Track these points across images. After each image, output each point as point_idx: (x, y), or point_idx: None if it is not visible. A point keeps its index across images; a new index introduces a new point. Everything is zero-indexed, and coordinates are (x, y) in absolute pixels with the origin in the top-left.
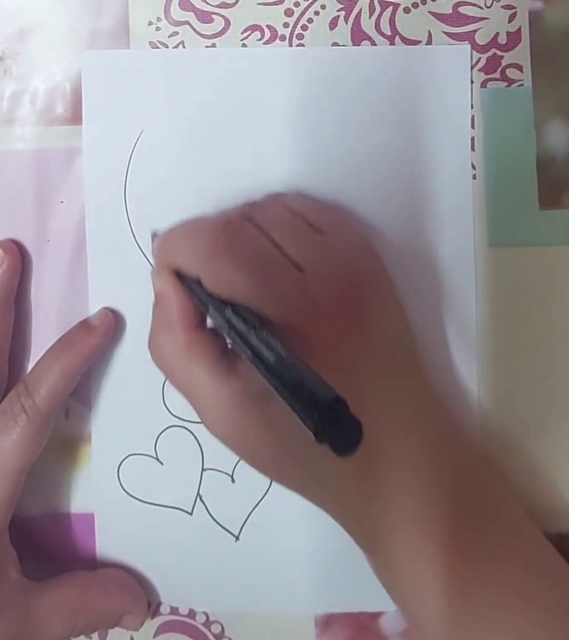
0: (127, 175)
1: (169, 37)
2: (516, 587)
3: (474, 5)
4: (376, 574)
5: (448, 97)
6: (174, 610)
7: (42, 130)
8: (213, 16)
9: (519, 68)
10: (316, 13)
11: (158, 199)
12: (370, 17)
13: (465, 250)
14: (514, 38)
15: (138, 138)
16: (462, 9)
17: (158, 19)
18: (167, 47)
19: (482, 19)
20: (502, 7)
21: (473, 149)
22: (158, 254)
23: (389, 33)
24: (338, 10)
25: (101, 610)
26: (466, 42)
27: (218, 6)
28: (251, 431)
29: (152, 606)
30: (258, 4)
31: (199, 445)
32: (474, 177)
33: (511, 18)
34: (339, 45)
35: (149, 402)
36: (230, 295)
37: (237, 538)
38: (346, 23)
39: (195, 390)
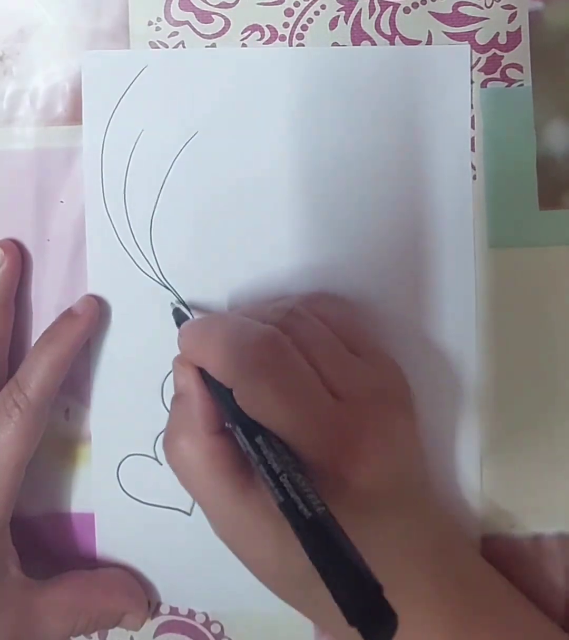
0: (126, 175)
1: (169, 37)
2: None
3: (474, 5)
4: None
5: (447, 97)
6: (174, 610)
7: (42, 130)
8: (213, 16)
9: (519, 68)
10: (317, 13)
11: (158, 199)
12: (370, 17)
13: (465, 250)
14: (514, 38)
15: (138, 138)
16: (462, 9)
17: (158, 19)
18: (167, 47)
19: (482, 19)
20: (502, 7)
21: (473, 149)
22: (187, 347)
23: (389, 33)
24: (338, 10)
25: (101, 610)
26: (466, 42)
27: (218, 6)
28: (262, 548)
29: (152, 606)
30: (258, 4)
31: None
32: (474, 177)
33: (511, 18)
34: (339, 45)
35: (148, 403)
36: (262, 419)
37: None
38: (346, 23)
39: (210, 500)
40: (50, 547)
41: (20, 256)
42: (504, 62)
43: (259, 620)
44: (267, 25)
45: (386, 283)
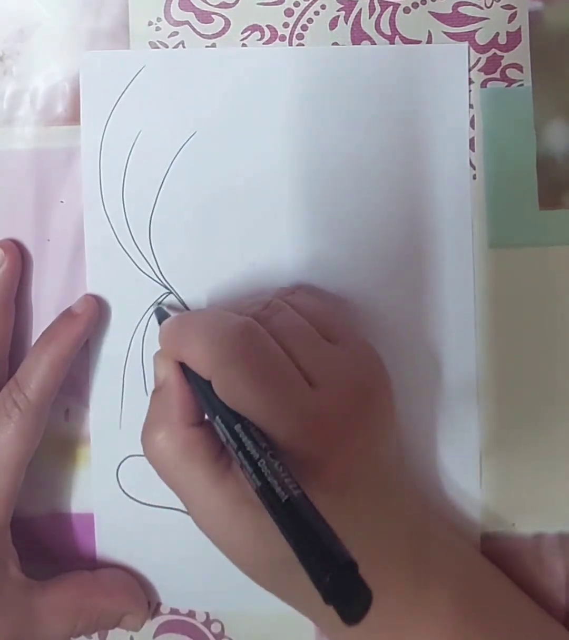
0: (125, 175)
1: (169, 37)
2: None
3: (475, 5)
4: None
5: (445, 95)
6: (174, 610)
7: (41, 130)
8: (213, 16)
9: (519, 68)
10: (316, 13)
11: (156, 199)
12: (370, 17)
13: (464, 250)
14: (514, 38)
15: (136, 138)
16: (462, 9)
17: (158, 19)
18: (167, 47)
19: (482, 19)
20: (502, 7)
21: (473, 149)
22: (166, 342)
23: (389, 33)
24: (338, 10)
25: (101, 611)
26: (466, 42)
27: (218, 6)
28: (240, 535)
29: (152, 606)
30: (258, 4)
31: None
32: (474, 177)
33: (511, 18)
34: (339, 45)
35: (148, 403)
36: (239, 407)
37: None
38: (346, 23)
39: (188, 490)
40: (50, 547)
41: (20, 256)
42: (504, 62)
43: (259, 620)
44: (267, 25)
45: (385, 283)
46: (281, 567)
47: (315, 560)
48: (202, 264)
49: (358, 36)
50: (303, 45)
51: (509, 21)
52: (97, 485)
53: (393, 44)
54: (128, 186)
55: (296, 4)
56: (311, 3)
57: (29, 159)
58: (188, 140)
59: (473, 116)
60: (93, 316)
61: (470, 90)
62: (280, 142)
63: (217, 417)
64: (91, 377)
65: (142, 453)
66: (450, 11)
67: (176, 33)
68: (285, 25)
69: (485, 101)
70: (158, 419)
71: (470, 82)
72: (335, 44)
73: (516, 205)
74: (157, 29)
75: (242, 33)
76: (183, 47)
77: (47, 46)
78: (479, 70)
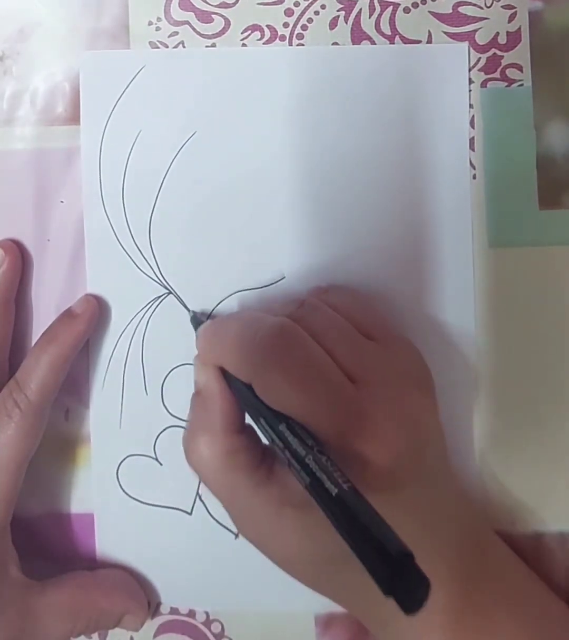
0: (125, 175)
1: (169, 37)
2: None
3: (475, 5)
4: None
5: (445, 95)
6: (174, 610)
7: (41, 130)
8: (213, 16)
9: (519, 68)
10: (316, 13)
11: (156, 199)
12: (370, 17)
13: (464, 250)
14: (514, 38)
15: (136, 138)
16: (462, 9)
17: (158, 19)
18: (167, 47)
19: (482, 18)
20: (502, 7)
21: (473, 149)
22: (204, 349)
23: (389, 33)
24: (338, 10)
25: (101, 611)
26: (466, 42)
27: (218, 6)
28: (285, 538)
29: (152, 606)
30: (258, 4)
31: None
32: (474, 177)
33: (511, 18)
34: (339, 45)
35: (148, 403)
36: (282, 407)
37: (237, 536)
38: (346, 23)
39: (230, 497)
40: (50, 547)
41: (20, 256)
42: (504, 62)
43: (259, 620)
44: (267, 25)
45: (385, 282)
46: (328, 566)
47: (373, 552)
48: (202, 264)
49: (358, 36)
50: (303, 45)
51: (509, 21)
52: (97, 485)
53: (393, 44)
54: (128, 186)
55: (296, 4)
56: (311, 3)
57: (29, 159)
58: (188, 140)
59: (473, 116)
60: (93, 316)
61: (470, 90)
62: (280, 142)
63: (261, 419)
64: (91, 377)
65: (142, 453)
66: (450, 11)
67: (176, 33)
68: (285, 25)
69: (485, 101)
70: (200, 425)
71: (470, 82)
72: (335, 44)
73: (516, 205)
74: (157, 29)
75: (242, 33)
76: (183, 47)
77: (47, 46)
78: (479, 70)
